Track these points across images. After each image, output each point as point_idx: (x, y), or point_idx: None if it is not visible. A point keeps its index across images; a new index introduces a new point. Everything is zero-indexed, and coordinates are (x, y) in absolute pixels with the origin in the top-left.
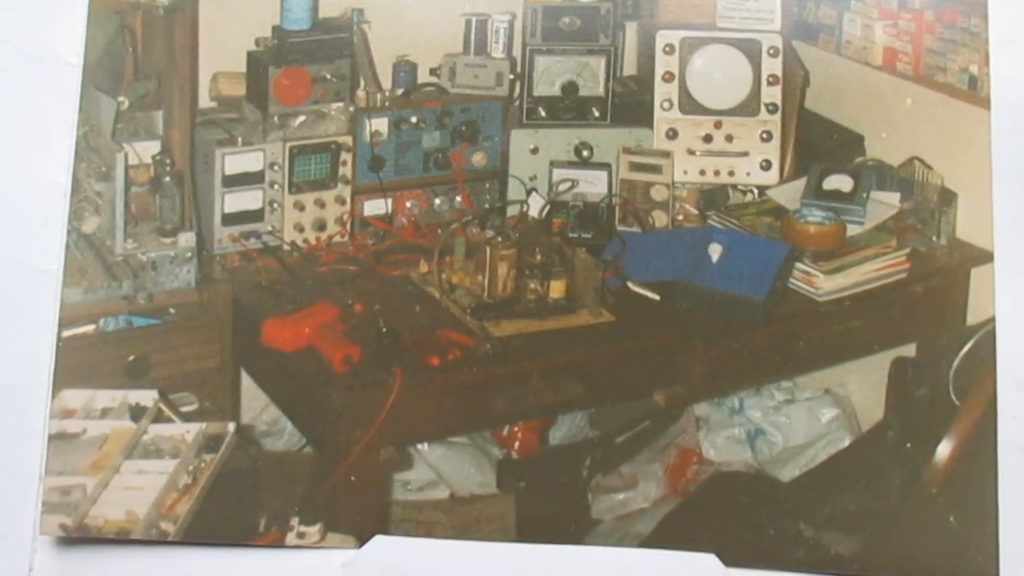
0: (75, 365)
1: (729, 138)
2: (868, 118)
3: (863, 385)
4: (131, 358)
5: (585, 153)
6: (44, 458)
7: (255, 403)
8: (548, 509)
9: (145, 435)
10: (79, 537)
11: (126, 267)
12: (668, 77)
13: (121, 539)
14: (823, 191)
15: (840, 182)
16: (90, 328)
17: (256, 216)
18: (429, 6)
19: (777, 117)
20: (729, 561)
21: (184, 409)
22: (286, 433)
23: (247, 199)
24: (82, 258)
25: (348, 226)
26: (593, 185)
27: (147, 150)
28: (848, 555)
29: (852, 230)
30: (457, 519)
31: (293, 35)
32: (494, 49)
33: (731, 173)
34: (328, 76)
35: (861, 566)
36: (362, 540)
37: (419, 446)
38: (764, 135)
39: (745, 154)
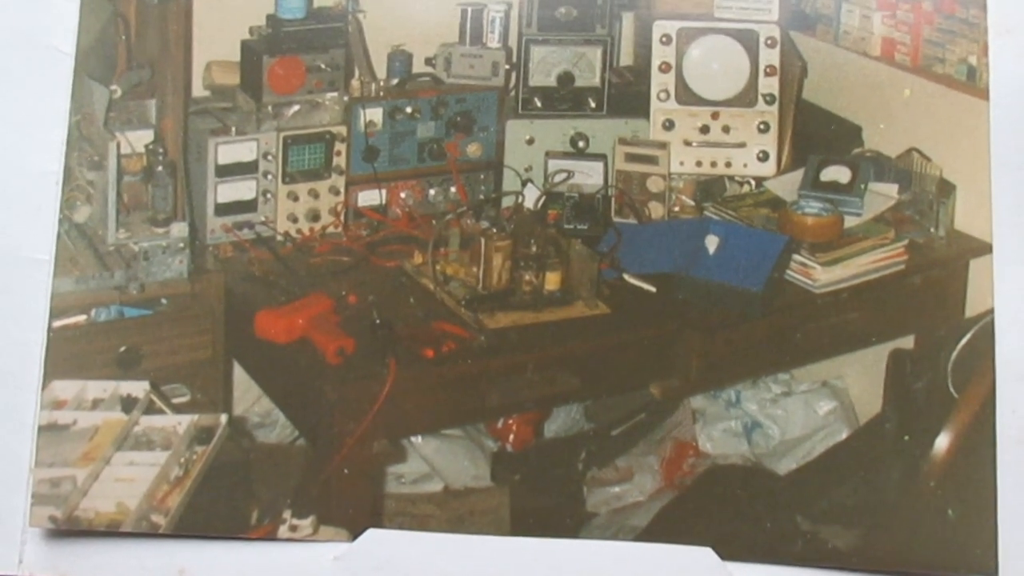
0: (66, 356)
1: (726, 129)
2: (866, 109)
3: (861, 377)
4: (122, 349)
5: (581, 144)
6: (34, 449)
7: (247, 395)
8: (543, 502)
9: (136, 426)
10: (69, 529)
11: (118, 257)
12: (665, 67)
13: (111, 531)
14: (821, 182)
15: (838, 173)
16: (81, 318)
17: (249, 206)
18: None
19: (774, 108)
20: (725, 555)
21: (176, 400)
22: (279, 425)
23: (240, 189)
24: (74, 248)
25: (342, 217)
26: (589, 176)
27: (140, 139)
28: (846, 548)
29: (850, 221)
30: (451, 512)
31: (288, 24)
32: (490, 39)
33: (728, 164)
34: (323, 65)
35: (859, 559)
36: (355, 533)
37: (413, 439)
38: (761, 126)
39: (742, 145)
